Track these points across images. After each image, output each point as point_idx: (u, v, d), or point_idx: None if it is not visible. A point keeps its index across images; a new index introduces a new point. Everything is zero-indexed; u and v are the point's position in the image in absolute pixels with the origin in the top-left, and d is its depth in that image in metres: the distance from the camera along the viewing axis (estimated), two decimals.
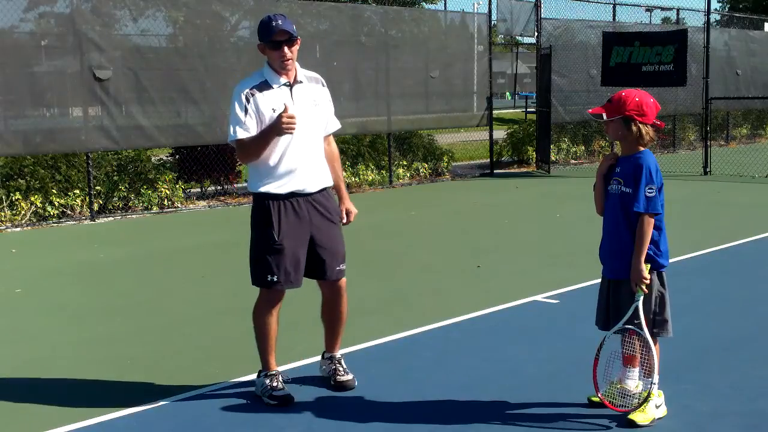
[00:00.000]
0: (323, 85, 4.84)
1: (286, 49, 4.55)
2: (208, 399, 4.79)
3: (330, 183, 4.82)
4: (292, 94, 4.63)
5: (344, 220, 4.91)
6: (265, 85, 4.61)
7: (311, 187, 4.67)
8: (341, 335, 5.04)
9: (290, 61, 4.58)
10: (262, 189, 4.63)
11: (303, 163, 4.63)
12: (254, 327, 4.80)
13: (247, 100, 4.55)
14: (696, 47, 17.28)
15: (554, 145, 17.58)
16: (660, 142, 19.87)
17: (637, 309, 4.30)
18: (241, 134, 4.55)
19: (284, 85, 4.63)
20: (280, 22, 4.54)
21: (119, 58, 11.84)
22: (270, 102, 4.56)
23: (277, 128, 4.47)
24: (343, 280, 4.89)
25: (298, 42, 4.63)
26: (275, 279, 4.64)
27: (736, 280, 7.60)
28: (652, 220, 4.26)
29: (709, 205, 12.36)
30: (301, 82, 4.69)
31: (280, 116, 4.46)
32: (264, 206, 4.65)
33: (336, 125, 4.93)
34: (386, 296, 7.09)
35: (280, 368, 4.91)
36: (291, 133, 4.50)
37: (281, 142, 4.57)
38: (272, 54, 4.58)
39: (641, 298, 4.29)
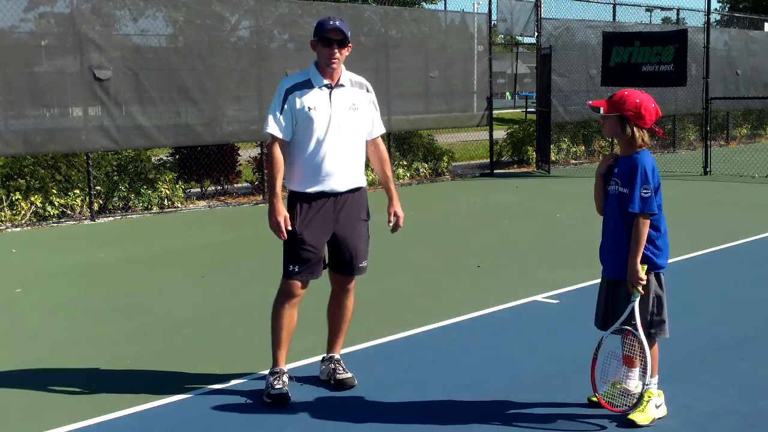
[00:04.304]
0: (368, 90, 4.93)
1: (336, 48, 4.65)
2: (208, 399, 4.79)
3: (363, 183, 4.90)
4: (331, 96, 4.73)
5: (391, 224, 4.97)
6: (307, 84, 4.73)
7: (341, 188, 4.77)
8: (344, 334, 5.07)
9: (337, 61, 4.69)
10: (292, 188, 4.78)
11: (335, 166, 4.72)
12: (270, 320, 4.81)
13: (286, 98, 4.69)
14: (696, 47, 17.28)
15: (554, 145, 17.58)
16: (660, 142, 19.88)
17: (633, 309, 4.30)
18: (272, 129, 4.69)
19: (325, 86, 4.73)
20: (337, 22, 4.68)
21: (119, 58, 11.83)
22: (307, 101, 4.69)
23: (271, 217, 4.64)
24: (353, 279, 4.94)
25: (349, 47, 4.75)
26: (295, 270, 4.72)
27: (736, 280, 7.60)
28: (648, 221, 4.26)
29: (709, 205, 12.36)
30: (343, 85, 4.78)
31: (278, 223, 4.61)
32: (292, 203, 4.78)
33: (380, 129, 5.00)
34: (386, 296, 7.09)
35: None
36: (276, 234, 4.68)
37: (314, 144, 4.69)
38: (322, 50, 4.68)
39: (638, 298, 4.29)
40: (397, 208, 4.98)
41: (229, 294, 7.35)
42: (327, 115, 4.70)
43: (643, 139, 4.32)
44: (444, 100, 16.39)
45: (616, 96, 4.35)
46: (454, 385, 4.92)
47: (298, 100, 4.68)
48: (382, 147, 5.07)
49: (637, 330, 4.29)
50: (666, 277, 4.44)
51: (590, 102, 4.45)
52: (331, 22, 4.66)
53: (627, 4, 19.49)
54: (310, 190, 4.72)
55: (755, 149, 18.81)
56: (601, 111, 4.35)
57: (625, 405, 4.37)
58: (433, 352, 5.59)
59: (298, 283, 4.75)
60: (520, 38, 25.45)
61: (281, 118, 4.69)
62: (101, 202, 11.87)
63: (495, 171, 16.84)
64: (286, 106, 4.69)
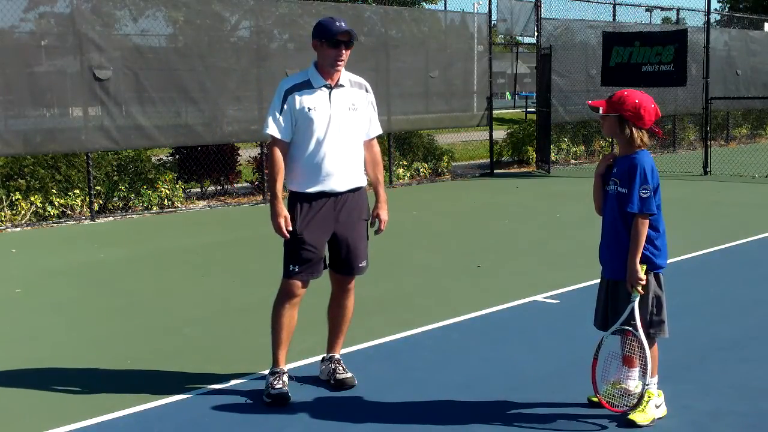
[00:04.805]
0: (367, 91, 4.94)
1: (343, 49, 4.66)
2: (208, 399, 4.79)
3: (363, 183, 4.91)
4: (330, 97, 4.74)
5: (375, 226, 4.96)
6: (306, 85, 4.73)
7: (341, 188, 4.77)
8: (344, 335, 5.07)
9: (343, 62, 4.71)
10: (292, 188, 4.78)
11: (335, 166, 4.72)
12: (271, 320, 4.81)
13: (285, 99, 4.70)
14: (696, 47, 17.27)
15: (554, 145, 17.58)
16: (660, 142, 19.88)
17: (633, 310, 4.30)
18: (272, 130, 4.70)
19: (325, 87, 4.73)
20: (343, 23, 4.69)
21: (119, 58, 11.84)
22: (307, 102, 4.69)
23: (273, 218, 4.66)
24: (353, 279, 4.94)
25: (351, 48, 4.76)
26: (296, 269, 4.72)
27: (736, 280, 7.60)
28: (647, 221, 4.26)
29: (709, 205, 12.36)
30: (342, 85, 4.79)
31: (278, 224, 4.64)
32: (292, 203, 4.78)
33: (377, 130, 5.00)
34: (386, 296, 7.09)
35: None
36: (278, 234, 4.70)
37: (314, 145, 4.70)
38: (328, 51, 4.67)
39: (637, 298, 4.30)
40: (383, 212, 4.97)
41: (229, 294, 7.35)
42: (327, 116, 4.70)
43: (642, 140, 4.31)
44: (444, 100, 16.38)
45: (615, 96, 4.36)
46: (454, 385, 4.92)
47: (297, 101, 4.69)
48: (377, 149, 5.05)
49: (637, 330, 4.29)
50: (666, 277, 4.44)
51: (590, 102, 4.46)
52: (338, 24, 4.67)
53: (627, 4, 19.49)
54: (310, 190, 4.73)
55: (755, 149, 18.81)
56: (600, 111, 4.35)
57: (626, 405, 4.37)
58: (433, 352, 5.59)
59: (299, 283, 4.75)
60: (520, 38, 25.45)
61: (281, 118, 4.69)
62: (101, 202, 11.87)
63: (495, 171, 16.84)
64: (285, 106, 4.69)
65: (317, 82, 4.73)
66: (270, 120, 4.71)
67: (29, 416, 4.61)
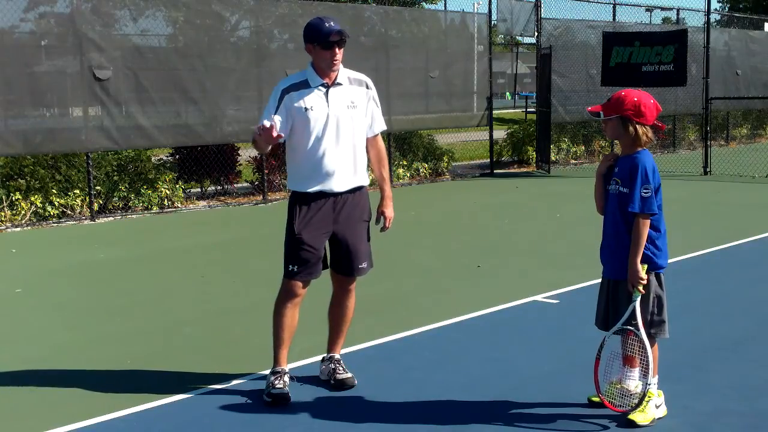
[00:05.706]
0: (368, 87, 4.90)
1: (337, 50, 4.64)
2: (208, 399, 4.79)
3: (365, 183, 4.89)
4: (328, 96, 4.72)
5: (380, 224, 4.95)
6: (303, 85, 4.71)
7: (340, 188, 4.75)
8: (344, 335, 5.07)
9: (338, 62, 4.67)
10: (293, 187, 4.77)
11: (334, 166, 4.70)
12: (272, 320, 4.81)
13: (282, 98, 4.68)
14: (696, 47, 17.28)
15: (554, 145, 17.58)
16: (660, 142, 19.88)
17: (634, 310, 4.30)
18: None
19: (322, 86, 4.71)
20: (333, 23, 4.64)
21: (119, 58, 11.84)
22: (304, 101, 4.67)
23: (257, 140, 4.56)
24: (354, 280, 4.94)
25: (344, 45, 4.73)
26: (295, 269, 4.71)
27: (736, 280, 7.60)
28: (648, 221, 4.26)
29: (709, 205, 12.36)
30: (340, 84, 4.76)
31: (263, 124, 4.50)
32: (292, 202, 4.78)
33: (381, 126, 4.98)
34: (386, 296, 7.09)
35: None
36: (262, 146, 4.57)
37: (312, 144, 4.67)
38: (323, 54, 4.64)
39: (638, 298, 4.30)
40: (387, 209, 4.96)
41: (229, 294, 7.35)
42: (324, 115, 4.68)
43: (647, 135, 4.31)
44: (444, 100, 16.39)
45: (612, 98, 4.35)
46: (454, 385, 4.92)
47: (294, 100, 4.66)
48: (381, 146, 5.04)
49: (638, 330, 4.29)
50: (666, 277, 4.44)
51: (589, 108, 4.45)
52: (327, 25, 4.61)
53: (627, 4, 19.49)
54: (309, 189, 4.72)
55: (755, 149, 18.81)
56: (602, 115, 4.34)
57: (628, 405, 4.37)
58: (433, 352, 5.59)
59: (299, 283, 4.75)
60: (520, 38, 25.46)
61: (275, 117, 4.64)
62: (101, 202, 11.87)
63: (495, 171, 16.85)
64: (282, 106, 4.66)
65: (314, 81, 4.71)
66: (264, 117, 4.67)
67: (29, 416, 4.61)
